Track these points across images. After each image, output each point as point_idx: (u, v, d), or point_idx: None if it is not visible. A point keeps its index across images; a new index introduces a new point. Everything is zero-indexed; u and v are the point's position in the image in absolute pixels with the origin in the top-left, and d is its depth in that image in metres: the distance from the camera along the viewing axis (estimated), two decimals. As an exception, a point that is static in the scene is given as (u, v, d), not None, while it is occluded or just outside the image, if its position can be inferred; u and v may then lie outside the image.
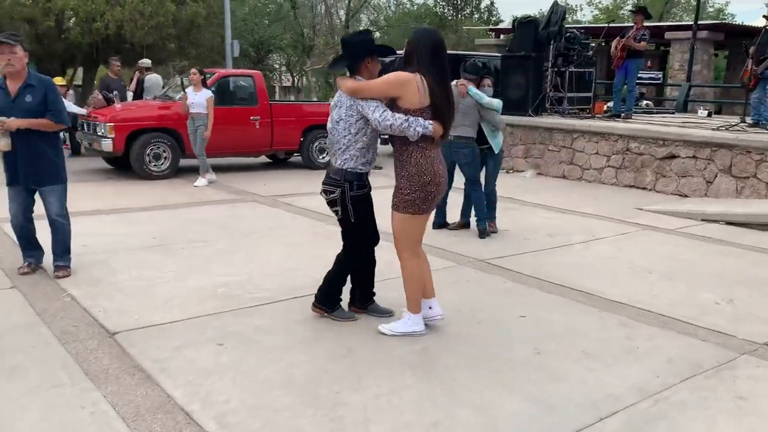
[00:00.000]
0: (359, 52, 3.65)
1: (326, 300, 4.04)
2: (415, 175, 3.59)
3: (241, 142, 10.43)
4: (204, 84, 9.08)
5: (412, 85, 3.51)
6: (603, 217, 7.49)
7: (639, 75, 12.37)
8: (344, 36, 3.87)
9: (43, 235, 4.94)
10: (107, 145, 9.40)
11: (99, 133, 9.56)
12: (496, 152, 6.48)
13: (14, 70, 4.48)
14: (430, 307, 3.96)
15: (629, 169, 9.63)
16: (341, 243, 4.21)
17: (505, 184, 9.84)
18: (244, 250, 5.67)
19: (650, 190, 9.25)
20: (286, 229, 6.58)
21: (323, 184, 3.87)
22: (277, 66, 34.81)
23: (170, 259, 5.36)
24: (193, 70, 9.21)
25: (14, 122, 4.46)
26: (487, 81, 6.39)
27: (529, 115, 11.33)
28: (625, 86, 11.35)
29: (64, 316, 3.97)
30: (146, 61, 12.46)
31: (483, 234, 6.38)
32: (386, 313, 4.11)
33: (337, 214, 3.89)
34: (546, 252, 5.88)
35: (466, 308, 4.33)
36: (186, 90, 9.15)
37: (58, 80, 10.33)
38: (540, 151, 11.03)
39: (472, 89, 6.17)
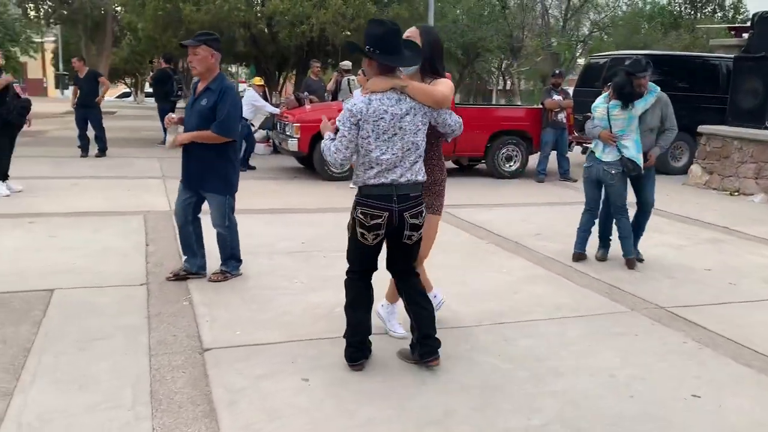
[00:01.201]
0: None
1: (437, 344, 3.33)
2: (444, 173, 3.56)
3: (422, 147, 10.03)
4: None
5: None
6: None
7: None
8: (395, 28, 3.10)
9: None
10: (293, 144, 9.60)
11: (287, 133, 9.82)
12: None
13: (196, 72, 4.41)
14: (434, 296, 3.86)
15: None
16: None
17: (724, 210, 8.25)
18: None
19: None
20: (439, 245, 5.96)
21: (415, 207, 3.15)
22: (495, 69, 34.20)
23: (307, 268, 5.08)
24: (360, 72, 8.99)
25: (179, 139, 4.42)
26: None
27: (765, 128, 9.43)
28: None
29: (171, 323, 3.81)
30: (346, 64, 12.63)
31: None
32: None
33: (411, 240, 3.24)
34: (755, 305, 4.58)
35: (621, 373, 3.38)
36: (353, 92, 9.01)
37: (257, 81, 10.86)
38: (775, 172, 9.11)
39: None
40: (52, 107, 23.93)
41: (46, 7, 23.73)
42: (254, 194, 7.92)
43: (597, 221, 5.61)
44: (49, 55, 46.24)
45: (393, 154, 3.06)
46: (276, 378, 3.16)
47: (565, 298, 4.57)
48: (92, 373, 3.13)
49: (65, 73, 38.15)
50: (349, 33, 13.43)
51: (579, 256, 5.53)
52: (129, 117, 23.11)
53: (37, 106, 17.16)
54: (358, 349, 3.29)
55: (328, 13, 12.47)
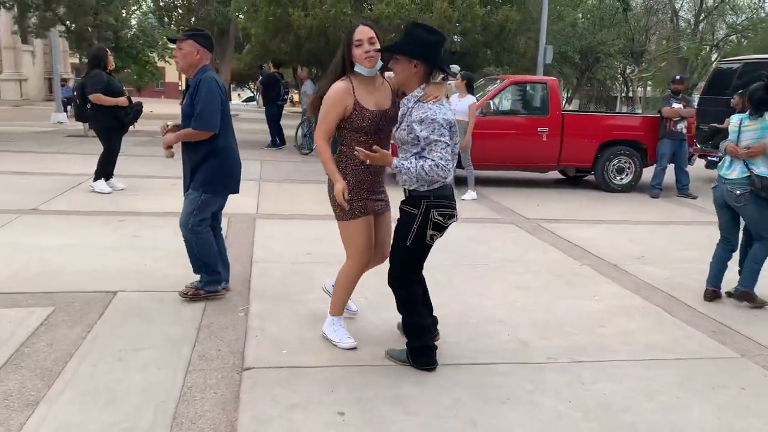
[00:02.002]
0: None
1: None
2: None
3: (523, 155, 9.50)
4: (470, 90, 8.43)
5: None
6: None
7: None
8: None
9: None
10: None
11: (382, 138, 9.62)
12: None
13: (179, 68, 4.13)
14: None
15: None
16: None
17: None
18: (458, 285, 4.81)
19: None
20: (527, 263, 5.49)
21: (455, 207, 3.22)
22: (619, 75, 32.39)
23: (377, 283, 4.73)
24: (458, 75, 8.61)
25: (165, 140, 4.11)
26: None
27: None
28: None
29: (219, 336, 3.65)
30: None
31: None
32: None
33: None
34: None
35: (716, 437, 2.81)
36: (450, 96, 8.66)
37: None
38: None
39: None
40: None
41: (176, 15, 25.16)
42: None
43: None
44: (183, 61, 49.30)
45: (451, 157, 3.16)
46: (310, 409, 2.88)
47: (660, 335, 3.98)
48: (123, 386, 3.00)
49: (194, 77, 40.54)
50: (456, 37, 13.11)
51: (711, 294, 4.68)
52: (248, 120, 24.00)
53: (171, 108, 18.12)
54: (434, 349, 3.36)
55: (433, 17, 12.17)
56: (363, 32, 3.21)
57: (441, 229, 3.17)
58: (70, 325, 3.66)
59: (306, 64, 14.99)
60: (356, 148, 3.16)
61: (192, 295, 4.12)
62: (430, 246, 3.21)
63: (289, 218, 6.91)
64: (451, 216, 3.16)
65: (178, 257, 5.13)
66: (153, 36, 43.02)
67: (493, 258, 5.61)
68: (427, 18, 12.27)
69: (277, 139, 14.00)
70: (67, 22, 15.26)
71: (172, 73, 54.90)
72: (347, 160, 3.33)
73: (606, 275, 5.25)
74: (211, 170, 4.02)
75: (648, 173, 9.96)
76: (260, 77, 15.13)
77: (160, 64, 46.16)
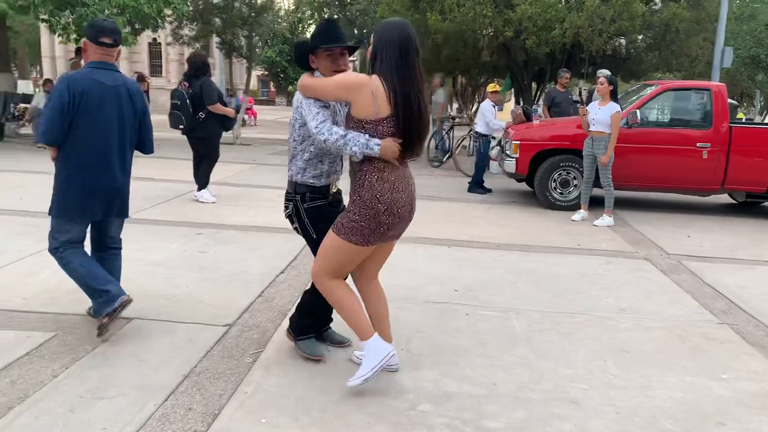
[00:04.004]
0: (300, 51, 3.12)
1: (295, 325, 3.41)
2: (368, 200, 2.93)
3: (676, 175, 7.97)
4: (614, 97, 7.13)
5: (363, 90, 2.84)
6: None
7: None
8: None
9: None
10: (510, 165, 8.35)
11: (506, 152, 8.61)
12: None
13: None
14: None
15: None
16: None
17: None
18: (536, 341, 3.77)
19: None
20: (643, 316, 4.28)
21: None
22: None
23: (432, 328, 3.91)
24: (602, 78, 7.34)
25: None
26: None
27: None
28: None
29: (204, 389, 3.01)
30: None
31: None
32: (343, 342, 3.53)
33: (297, 231, 3.28)
34: None
35: None
36: (590, 104, 7.43)
37: (491, 87, 9.77)
38: None
39: None
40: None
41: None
42: (447, 221, 6.90)
43: None
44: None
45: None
46: None
47: (811, 452, 2.69)
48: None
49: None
50: (622, 39, 11.69)
51: None
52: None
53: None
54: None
55: (582, 16, 10.84)
56: None
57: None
58: (53, 358, 3.24)
59: (444, 70, 14.26)
60: None
61: (100, 331, 3.45)
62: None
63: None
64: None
65: (228, 279, 4.67)
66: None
67: (601, 305, 4.46)
68: (576, 17, 10.96)
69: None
70: (223, 35, 15.91)
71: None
72: None
73: (751, 342, 3.90)
74: (57, 192, 3.48)
75: None
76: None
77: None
